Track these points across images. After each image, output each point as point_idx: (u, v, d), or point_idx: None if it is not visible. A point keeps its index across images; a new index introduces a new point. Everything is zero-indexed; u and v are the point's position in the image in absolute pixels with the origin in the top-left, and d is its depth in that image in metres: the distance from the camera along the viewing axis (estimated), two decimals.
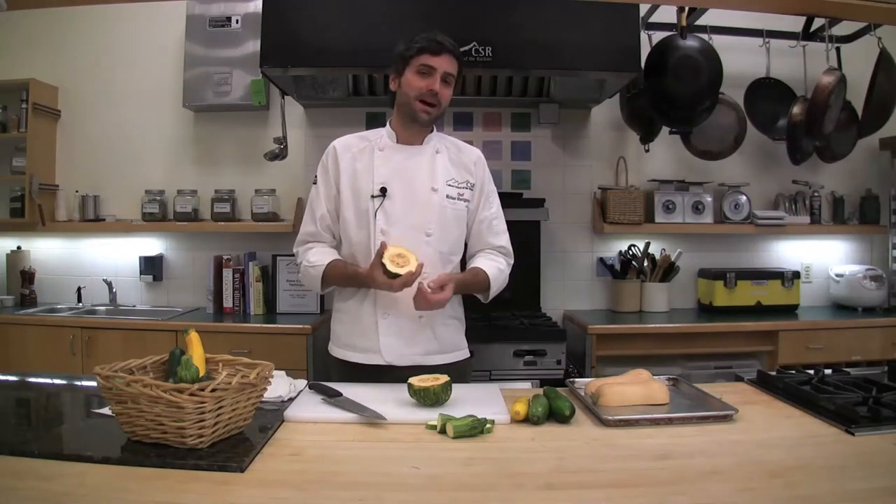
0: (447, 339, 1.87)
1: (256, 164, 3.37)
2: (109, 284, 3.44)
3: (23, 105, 3.37)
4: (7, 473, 1.07)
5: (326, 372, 2.00)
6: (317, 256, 1.85)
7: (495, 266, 1.89)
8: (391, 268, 1.63)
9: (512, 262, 1.96)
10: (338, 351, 1.90)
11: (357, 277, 1.77)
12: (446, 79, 1.76)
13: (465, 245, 1.95)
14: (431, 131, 1.88)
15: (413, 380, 1.50)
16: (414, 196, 1.80)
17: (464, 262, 1.97)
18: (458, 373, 1.87)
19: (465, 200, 1.85)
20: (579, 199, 3.53)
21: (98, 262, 3.56)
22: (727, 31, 3.20)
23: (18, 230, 3.54)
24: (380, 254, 1.66)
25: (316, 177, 1.88)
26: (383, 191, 1.78)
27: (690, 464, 1.16)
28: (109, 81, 3.55)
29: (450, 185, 1.83)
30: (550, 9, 2.66)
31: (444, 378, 1.49)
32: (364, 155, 1.84)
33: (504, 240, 1.94)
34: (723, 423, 1.38)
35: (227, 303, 3.29)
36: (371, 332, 1.81)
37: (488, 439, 1.30)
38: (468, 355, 1.95)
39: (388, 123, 1.88)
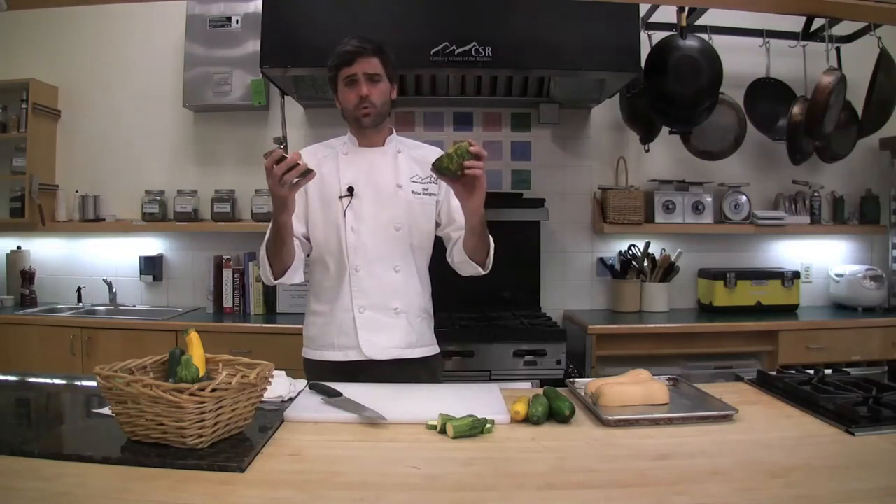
0: (422, 333, 1.92)
1: (256, 164, 3.32)
2: (109, 284, 3.44)
3: (23, 105, 3.37)
4: (7, 473, 1.07)
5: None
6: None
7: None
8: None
9: None
10: (313, 353, 1.91)
11: (273, 214, 1.70)
12: (372, 78, 1.80)
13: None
14: (391, 133, 1.94)
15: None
16: (380, 193, 1.85)
17: (437, 257, 1.97)
18: (430, 370, 1.92)
19: (431, 194, 1.90)
20: (579, 199, 3.54)
21: (98, 262, 3.56)
22: (727, 31, 3.20)
23: (18, 230, 3.54)
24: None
25: None
26: (350, 190, 1.84)
27: (690, 464, 1.16)
28: (109, 81, 3.55)
29: (414, 182, 1.88)
30: (550, 9, 2.66)
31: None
32: (329, 160, 1.89)
33: None
34: (723, 423, 1.38)
35: (227, 303, 3.30)
36: (349, 328, 1.83)
37: (488, 439, 1.30)
38: (438, 351, 1.98)
39: (348, 131, 1.95)
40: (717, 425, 1.37)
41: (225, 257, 3.31)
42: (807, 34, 3.22)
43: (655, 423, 1.38)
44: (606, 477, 1.11)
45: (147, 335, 2.98)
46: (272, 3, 2.67)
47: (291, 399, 1.52)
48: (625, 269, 3.40)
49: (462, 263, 1.87)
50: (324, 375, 1.77)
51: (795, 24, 3.20)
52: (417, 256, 1.90)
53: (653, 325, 3.03)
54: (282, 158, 1.56)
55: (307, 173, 1.59)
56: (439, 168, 1.61)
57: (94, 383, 1.42)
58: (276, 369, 1.38)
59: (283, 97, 3.16)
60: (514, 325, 2.84)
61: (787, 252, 3.62)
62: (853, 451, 1.22)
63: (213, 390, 1.15)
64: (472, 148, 1.59)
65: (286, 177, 1.56)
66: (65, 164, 3.57)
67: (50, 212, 3.46)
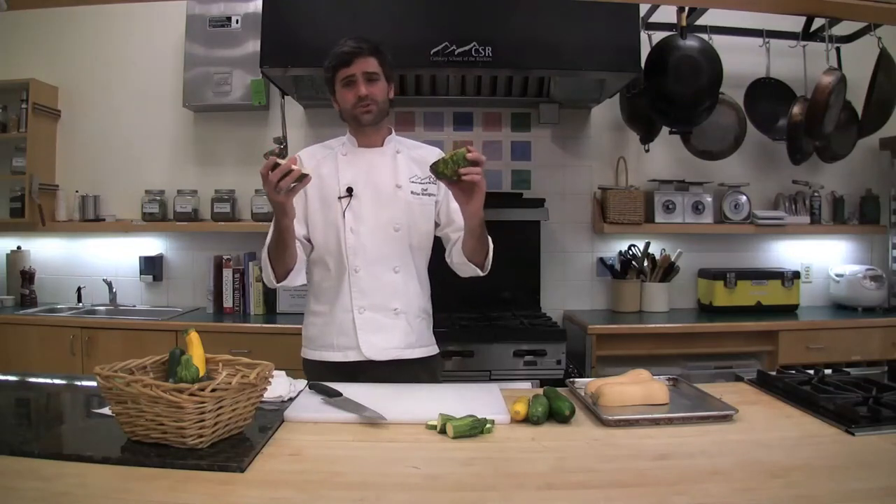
0: (422, 333, 1.92)
1: (256, 164, 3.30)
2: (109, 284, 3.44)
3: (23, 105, 3.37)
4: (7, 473, 1.07)
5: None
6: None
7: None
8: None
9: None
10: (313, 353, 1.91)
11: (274, 216, 1.70)
12: (370, 77, 1.80)
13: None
14: (389, 133, 1.93)
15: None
16: (379, 194, 1.85)
17: (437, 257, 1.97)
18: (430, 370, 1.92)
19: (430, 195, 1.89)
20: (579, 199, 3.54)
21: (98, 262, 3.56)
22: (727, 31, 3.20)
23: (18, 230, 3.54)
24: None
25: None
26: (349, 191, 1.84)
27: (690, 464, 1.16)
28: (109, 81, 3.55)
29: (413, 182, 1.88)
30: (550, 9, 2.66)
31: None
32: (328, 161, 1.90)
33: None
34: (723, 423, 1.38)
35: (227, 303, 3.30)
36: (348, 328, 1.84)
37: (488, 439, 1.30)
38: (437, 351, 1.99)
39: (347, 132, 1.95)
40: (717, 425, 1.37)
41: (225, 257, 3.31)
42: (807, 34, 3.22)
43: (655, 423, 1.38)
44: (606, 477, 1.11)
45: (147, 335, 2.98)
46: (272, 3, 2.67)
47: (291, 399, 1.52)
48: (625, 269, 3.40)
49: (461, 265, 1.87)
50: (323, 376, 1.77)
51: (795, 24, 3.20)
52: (417, 257, 1.90)
53: (653, 325, 3.03)
54: (276, 165, 1.55)
55: (303, 178, 1.58)
56: (436, 172, 1.61)
57: (94, 383, 1.42)
58: (276, 369, 1.38)
59: (283, 97, 3.16)
60: (514, 325, 2.84)
61: (787, 252, 3.62)
62: (853, 451, 1.22)
63: (213, 390, 1.15)
64: (469, 154, 1.57)
65: (281, 183, 1.56)
66: (65, 164, 3.57)
67: (50, 212, 3.46)
